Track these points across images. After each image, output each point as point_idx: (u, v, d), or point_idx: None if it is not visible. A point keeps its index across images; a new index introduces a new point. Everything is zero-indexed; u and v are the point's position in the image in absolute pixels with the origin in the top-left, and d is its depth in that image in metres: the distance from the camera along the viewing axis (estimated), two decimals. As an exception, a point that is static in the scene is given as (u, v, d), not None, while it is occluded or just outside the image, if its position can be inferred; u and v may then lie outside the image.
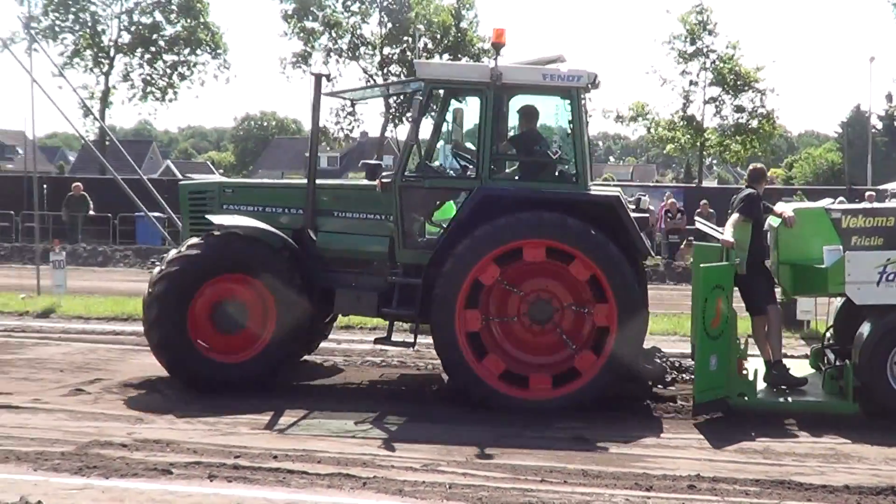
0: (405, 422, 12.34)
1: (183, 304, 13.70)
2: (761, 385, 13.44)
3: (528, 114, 14.29)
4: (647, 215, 15.29)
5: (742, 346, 13.30)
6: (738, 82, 53.54)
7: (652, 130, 55.18)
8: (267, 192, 15.35)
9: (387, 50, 64.17)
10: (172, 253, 14.24)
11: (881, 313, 12.80)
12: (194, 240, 14.26)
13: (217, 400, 13.16)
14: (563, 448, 11.25)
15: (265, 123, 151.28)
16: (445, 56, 63.08)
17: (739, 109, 54.60)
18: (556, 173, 14.09)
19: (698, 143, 54.93)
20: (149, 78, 60.85)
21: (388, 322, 14.45)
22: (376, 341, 14.69)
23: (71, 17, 59.38)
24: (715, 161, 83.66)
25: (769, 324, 13.72)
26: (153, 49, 60.52)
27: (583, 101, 13.81)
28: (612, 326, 13.05)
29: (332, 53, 64.27)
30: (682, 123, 54.59)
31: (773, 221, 14.15)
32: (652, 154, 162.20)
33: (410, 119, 13.98)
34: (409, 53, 62.98)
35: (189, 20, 61.53)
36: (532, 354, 13.62)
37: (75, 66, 58.94)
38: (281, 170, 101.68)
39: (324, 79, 15.13)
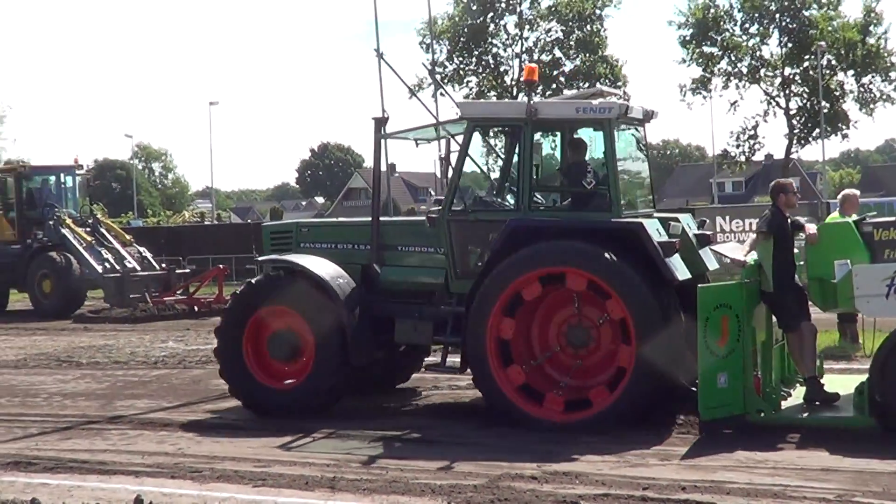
0: (806, 450, 11.89)
1: (237, 335, 15.02)
2: (798, 401, 13.52)
3: (577, 146, 14.62)
4: (708, 233, 15.17)
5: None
6: None
7: None
8: (337, 230, 16.40)
9: (787, 70, 62.88)
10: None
11: None
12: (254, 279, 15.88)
13: (625, 433, 13.18)
14: None
15: (668, 151, 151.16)
16: (850, 73, 61.23)
17: None
18: (601, 203, 14.13)
19: None
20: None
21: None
22: (427, 368, 16.24)
23: (474, 59, 61.53)
24: None
25: (802, 340, 13.39)
26: (554, 86, 61.73)
27: (637, 133, 15.13)
28: (629, 320, 13.13)
29: (731, 77, 63.62)
30: None
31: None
32: None
33: (441, 157, 15.47)
34: (812, 72, 61.51)
35: (588, 55, 62.46)
36: (585, 377, 14.06)
37: (479, 107, 60.98)
38: (685, 197, 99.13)
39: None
